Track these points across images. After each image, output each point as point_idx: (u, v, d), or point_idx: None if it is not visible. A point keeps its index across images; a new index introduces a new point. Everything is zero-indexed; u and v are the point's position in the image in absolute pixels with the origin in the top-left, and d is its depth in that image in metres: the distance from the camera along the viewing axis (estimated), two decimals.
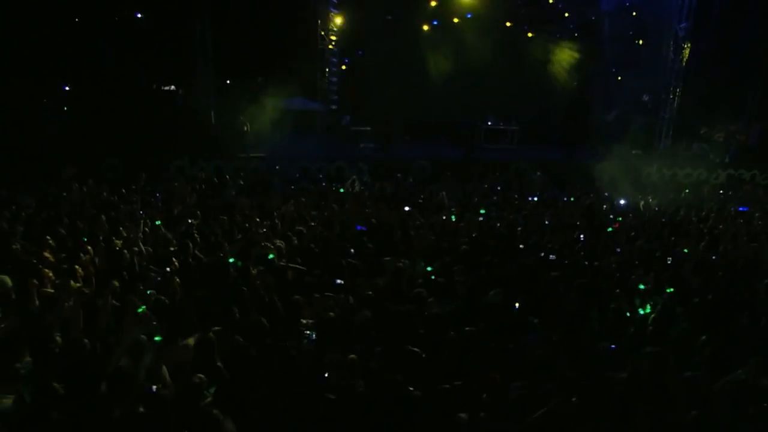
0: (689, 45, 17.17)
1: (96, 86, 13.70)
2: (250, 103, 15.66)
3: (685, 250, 6.77)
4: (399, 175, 12.77)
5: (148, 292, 4.18)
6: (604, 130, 19.66)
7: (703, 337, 3.92)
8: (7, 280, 4.38)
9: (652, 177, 15.95)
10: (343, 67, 16.67)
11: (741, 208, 11.19)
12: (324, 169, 13.41)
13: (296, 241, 5.85)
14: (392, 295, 4.52)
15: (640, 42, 19.05)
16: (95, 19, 13.92)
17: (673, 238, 7.36)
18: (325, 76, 15.97)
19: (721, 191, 14.48)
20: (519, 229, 7.35)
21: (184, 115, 14.75)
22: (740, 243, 6.98)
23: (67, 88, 14.84)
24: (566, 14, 18.51)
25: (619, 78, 19.94)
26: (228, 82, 17.14)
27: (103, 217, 6.55)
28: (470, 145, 15.79)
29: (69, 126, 13.74)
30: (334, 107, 16.19)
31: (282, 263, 5.09)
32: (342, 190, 10.30)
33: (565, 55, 19.29)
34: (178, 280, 4.62)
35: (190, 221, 6.75)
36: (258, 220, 6.66)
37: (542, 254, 6.11)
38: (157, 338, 3.22)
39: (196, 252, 5.47)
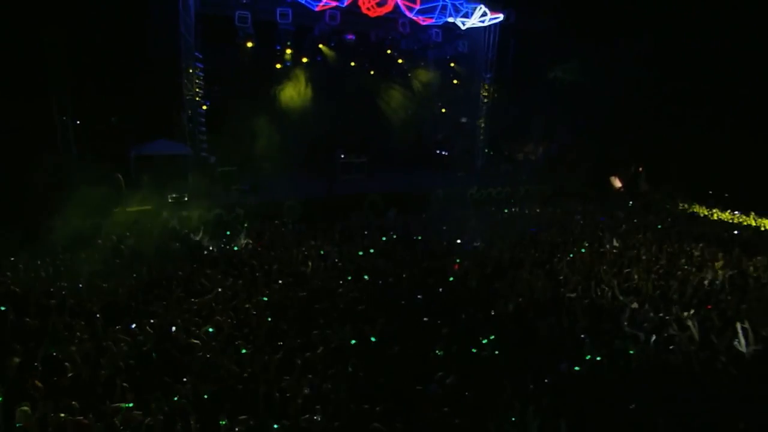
0: (493, 89, 21.98)
1: None
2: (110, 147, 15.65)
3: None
4: (277, 222, 13.84)
5: None
6: (438, 156, 23.74)
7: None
8: None
9: (474, 196, 19.92)
10: (205, 108, 17.17)
11: (531, 230, 14.66)
12: (203, 218, 14.12)
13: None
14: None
15: (456, 82, 23.29)
16: None
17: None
18: (191, 118, 16.41)
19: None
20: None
21: (44, 167, 13.90)
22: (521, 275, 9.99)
23: None
24: (399, 61, 21.82)
25: (444, 110, 24.15)
26: (78, 122, 16.58)
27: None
28: (332, 180, 17.40)
29: None
30: (204, 154, 16.65)
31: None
32: (236, 248, 11.45)
33: (399, 93, 22.77)
34: None
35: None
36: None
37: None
38: None
39: None
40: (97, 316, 6.85)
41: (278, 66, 20.02)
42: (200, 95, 16.65)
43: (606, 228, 14.33)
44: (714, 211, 18.59)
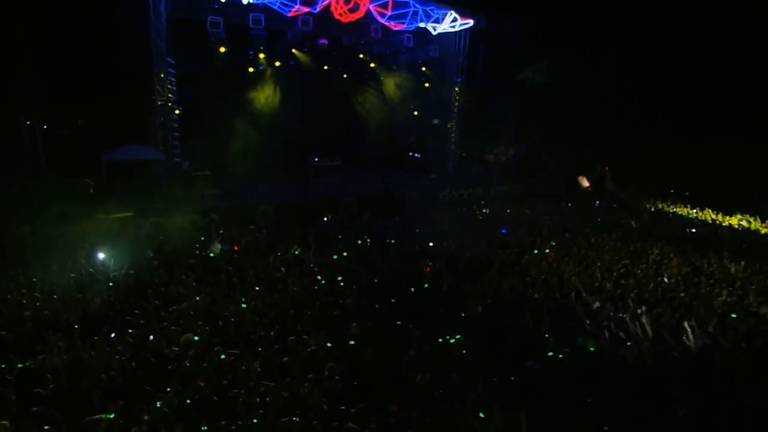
0: (463, 93, 22.46)
1: None
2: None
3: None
4: (252, 227, 13.90)
5: None
6: (411, 158, 24.07)
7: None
8: None
9: (446, 198, 20.12)
10: (177, 112, 17.07)
11: (503, 230, 15.21)
12: (177, 223, 14.07)
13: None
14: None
15: (428, 85, 23.70)
16: None
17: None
18: (164, 124, 16.28)
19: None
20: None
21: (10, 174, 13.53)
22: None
23: None
24: (372, 65, 22.09)
25: (416, 113, 24.52)
26: (45, 127, 16.30)
27: None
28: (307, 184, 17.32)
29: None
30: (177, 159, 16.56)
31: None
32: (212, 255, 11.51)
33: (372, 96, 23.06)
34: None
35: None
36: None
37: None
38: None
39: None
40: (75, 327, 6.90)
41: (251, 70, 20.03)
42: (173, 100, 16.54)
43: (572, 228, 14.89)
44: (676, 209, 19.49)
